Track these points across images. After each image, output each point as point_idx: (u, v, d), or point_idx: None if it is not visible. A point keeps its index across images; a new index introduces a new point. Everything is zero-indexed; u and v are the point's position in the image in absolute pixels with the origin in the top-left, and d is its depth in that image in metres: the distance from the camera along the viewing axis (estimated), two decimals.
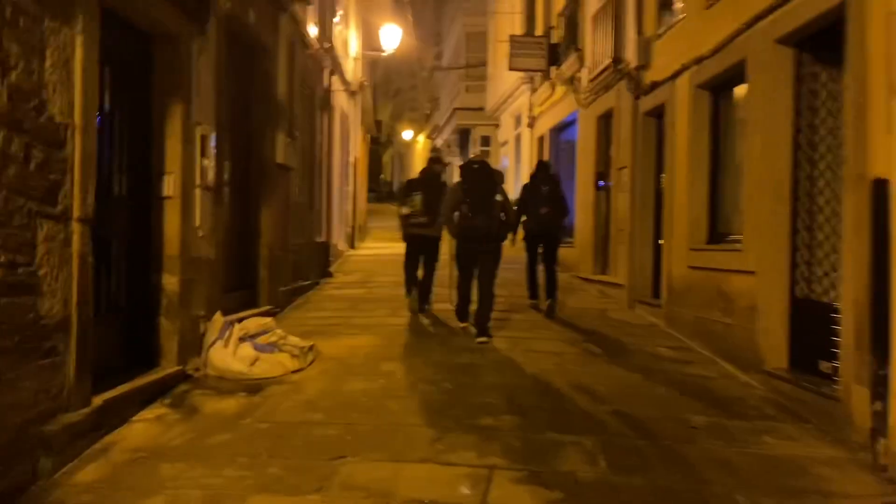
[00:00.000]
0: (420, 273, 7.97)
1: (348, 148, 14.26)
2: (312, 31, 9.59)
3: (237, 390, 4.95)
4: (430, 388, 5.05)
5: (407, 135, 40.58)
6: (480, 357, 6.01)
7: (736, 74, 6.11)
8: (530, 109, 15.43)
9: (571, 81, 11.83)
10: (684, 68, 7.11)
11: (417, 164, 42.63)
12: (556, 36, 13.16)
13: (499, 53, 18.80)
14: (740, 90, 6.28)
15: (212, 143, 5.71)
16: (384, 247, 16.11)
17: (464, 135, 26.14)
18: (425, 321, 7.60)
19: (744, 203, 5.93)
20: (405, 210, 7.80)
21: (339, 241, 13.04)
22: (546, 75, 13.55)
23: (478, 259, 6.74)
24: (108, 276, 4.64)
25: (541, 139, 14.58)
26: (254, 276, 7.47)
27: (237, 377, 5.20)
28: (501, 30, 18.14)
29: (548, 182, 8.09)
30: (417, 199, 7.69)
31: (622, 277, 9.00)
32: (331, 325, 7.21)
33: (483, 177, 6.79)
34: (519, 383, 5.26)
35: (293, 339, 5.76)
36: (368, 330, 7.05)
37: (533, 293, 8.43)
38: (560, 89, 12.89)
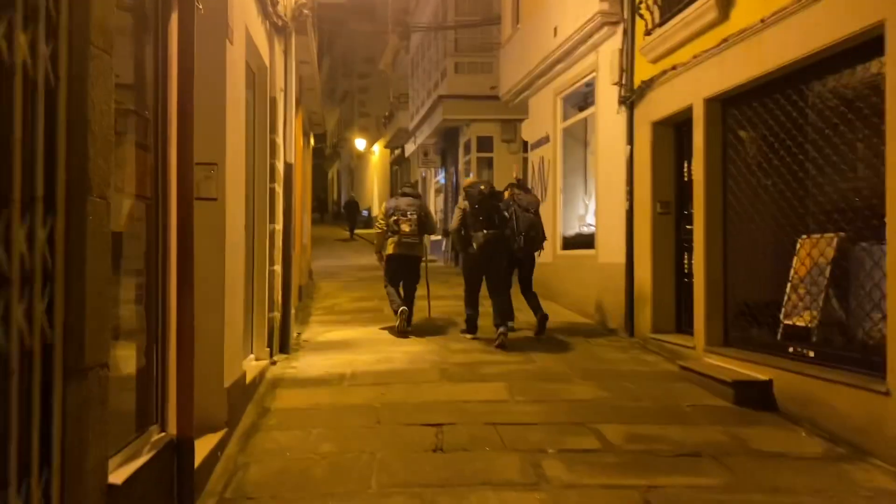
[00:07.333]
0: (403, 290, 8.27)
1: (272, 139, 6.67)
2: None
3: None
4: None
5: (360, 144, 33.16)
6: None
7: None
8: (625, 70, 8.23)
9: None
10: None
11: (373, 179, 35.15)
12: None
13: None
14: None
15: None
16: (358, 337, 8.10)
17: (449, 137, 18.76)
18: None
19: None
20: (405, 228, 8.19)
21: (248, 354, 5.49)
22: None
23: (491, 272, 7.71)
24: None
25: (669, 127, 7.36)
26: None
27: None
28: None
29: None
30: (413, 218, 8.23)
31: None
32: None
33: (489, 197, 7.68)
34: None
35: None
36: None
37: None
38: None
